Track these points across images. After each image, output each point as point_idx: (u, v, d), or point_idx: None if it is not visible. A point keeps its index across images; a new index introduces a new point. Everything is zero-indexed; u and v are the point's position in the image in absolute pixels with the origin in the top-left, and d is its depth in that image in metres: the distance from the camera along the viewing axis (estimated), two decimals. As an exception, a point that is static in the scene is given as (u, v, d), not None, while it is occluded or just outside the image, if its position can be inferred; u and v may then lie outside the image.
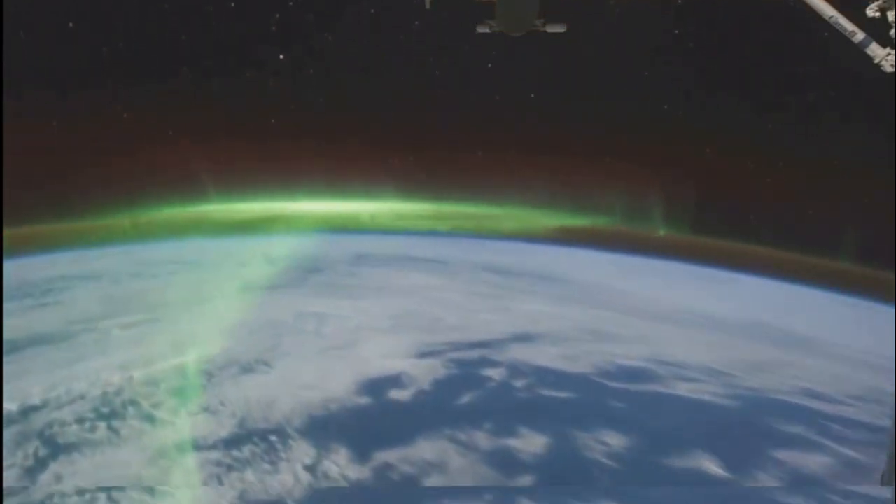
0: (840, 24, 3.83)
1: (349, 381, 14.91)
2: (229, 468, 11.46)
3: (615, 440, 12.72)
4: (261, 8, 26.00)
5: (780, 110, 27.13)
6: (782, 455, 12.00)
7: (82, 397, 14.21)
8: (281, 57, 27.50)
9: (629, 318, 21.05)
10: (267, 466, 11.59)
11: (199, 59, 29.99)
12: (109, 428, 13.01)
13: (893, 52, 3.66)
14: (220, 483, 11.12)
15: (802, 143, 27.69)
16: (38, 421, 13.19)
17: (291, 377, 15.11)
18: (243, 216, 38.52)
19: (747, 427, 13.55)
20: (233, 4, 25.71)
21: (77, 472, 11.26)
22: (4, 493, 10.48)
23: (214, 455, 11.82)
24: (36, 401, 14.01)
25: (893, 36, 3.68)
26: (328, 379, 15.04)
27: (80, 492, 10.46)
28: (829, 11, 3.85)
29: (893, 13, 3.68)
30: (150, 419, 13.37)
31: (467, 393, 14.58)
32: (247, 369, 15.51)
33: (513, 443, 12.61)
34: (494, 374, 15.58)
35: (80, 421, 13.26)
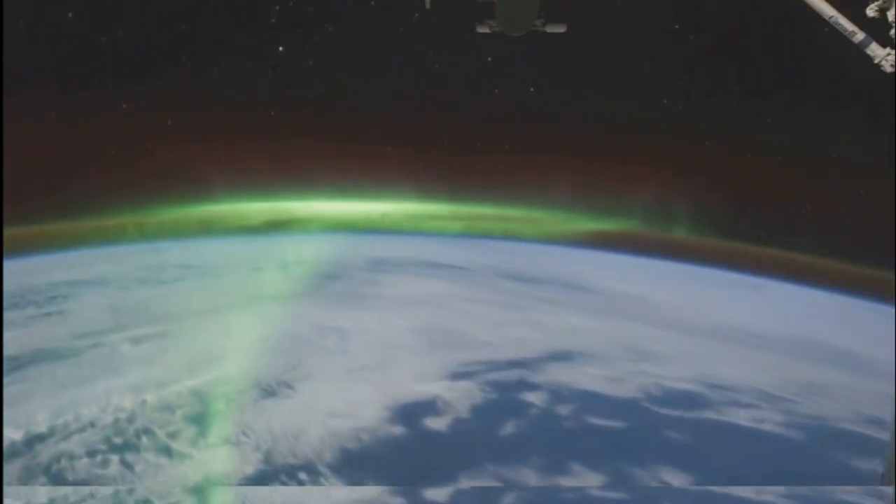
0: (840, 24, 3.79)
1: (380, 406, 13.79)
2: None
3: (677, 478, 11.62)
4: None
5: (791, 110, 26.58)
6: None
7: (92, 425, 13.08)
8: (280, 49, 27.52)
9: (667, 332, 19.92)
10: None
11: (198, 50, 29.44)
12: (123, 462, 11.90)
13: (893, 52, 3.63)
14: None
15: (802, 142, 27.40)
16: (45, 453, 12.06)
17: (317, 402, 13.98)
18: (245, 215, 37.44)
19: (819, 462, 12.46)
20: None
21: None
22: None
23: (241, 496, 10.72)
24: (42, 428, 12.89)
25: (893, 36, 3.64)
26: (357, 405, 13.91)
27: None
28: (829, 11, 3.82)
29: (893, 13, 3.64)
30: (167, 452, 12.25)
31: (509, 421, 13.46)
32: (268, 393, 14.38)
33: (565, 482, 11.51)
34: (535, 398, 14.46)
35: (91, 454, 12.14)
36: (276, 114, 32.17)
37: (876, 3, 3.74)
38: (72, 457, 11.89)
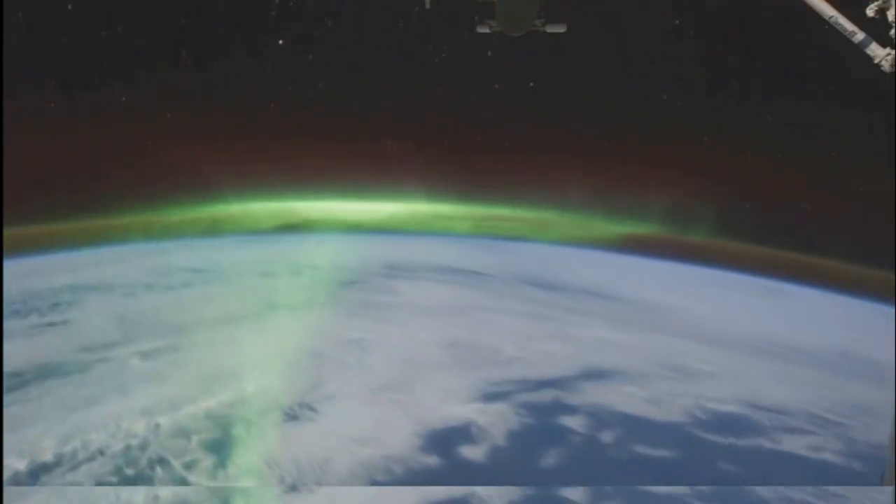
0: (840, 24, 3.79)
1: (410, 432, 12.86)
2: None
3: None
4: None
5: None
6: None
7: (101, 453, 12.13)
8: (280, 42, 27.33)
9: (700, 345, 19.00)
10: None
11: (198, 44, 28.96)
12: (136, 497, 10.97)
13: (893, 52, 3.61)
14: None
15: (802, 142, 27.51)
16: (52, 485, 11.16)
17: (342, 427, 13.04)
18: (249, 215, 36.54)
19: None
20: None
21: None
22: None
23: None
24: (48, 456, 11.96)
25: (893, 36, 3.62)
26: (385, 430, 12.98)
27: None
28: (829, 11, 3.82)
29: (893, 13, 3.62)
30: (185, 484, 11.32)
31: (550, 449, 12.52)
32: (290, 416, 13.44)
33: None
34: (574, 423, 13.54)
35: (102, 486, 11.22)
36: (277, 111, 31.67)
37: (876, 3, 3.69)
38: (81, 490, 10.98)
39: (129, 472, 11.55)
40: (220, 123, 31.66)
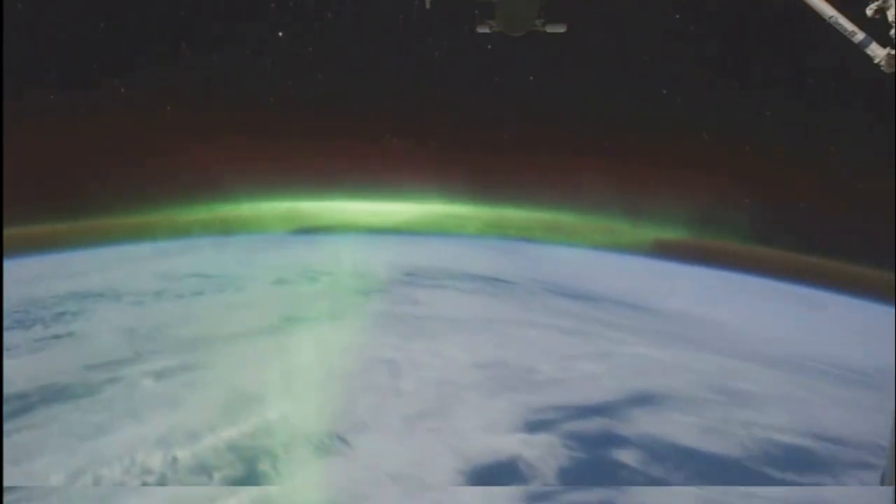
0: (840, 24, 3.76)
1: (451, 469, 11.76)
2: None
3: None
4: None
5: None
6: None
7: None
8: (280, 34, 27.07)
9: (745, 363, 17.91)
10: None
11: (198, 37, 28.33)
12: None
13: (893, 52, 3.57)
14: None
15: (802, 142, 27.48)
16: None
17: (378, 462, 11.94)
18: (251, 214, 35.47)
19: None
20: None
21: None
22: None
23: None
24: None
25: (893, 36, 3.58)
26: (424, 465, 11.88)
27: None
28: (829, 11, 3.79)
29: (893, 13, 3.58)
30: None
31: (604, 489, 11.45)
32: (320, 449, 12.35)
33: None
34: (628, 458, 12.45)
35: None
36: (277, 108, 31.01)
37: (875, 3, 3.65)
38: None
39: (147, 515, 10.50)
40: (220, 120, 30.87)
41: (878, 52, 3.64)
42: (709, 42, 25.58)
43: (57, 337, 18.27)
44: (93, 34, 27.07)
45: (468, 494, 10.83)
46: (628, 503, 10.90)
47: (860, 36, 3.71)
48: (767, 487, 11.32)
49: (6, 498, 9.88)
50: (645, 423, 13.69)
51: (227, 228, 35.09)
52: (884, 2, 3.61)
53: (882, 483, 3.69)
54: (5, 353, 16.73)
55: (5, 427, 12.83)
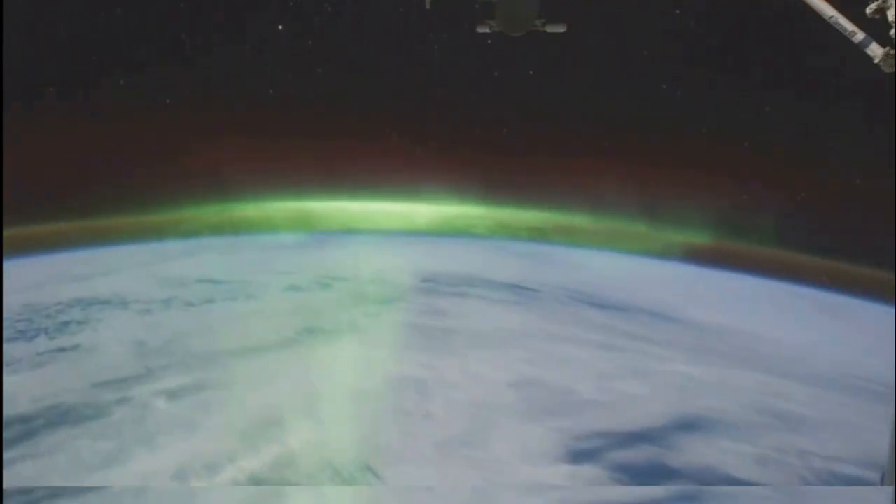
0: (840, 24, 3.76)
1: (493, 505, 10.87)
2: None
3: None
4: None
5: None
6: None
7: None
8: (280, 28, 27.03)
9: (789, 382, 16.98)
10: None
11: (197, 32, 27.88)
12: None
13: (893, 51, 3.56)
14: None
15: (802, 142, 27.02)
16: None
17: (412, 498, 11.05)
18: (257, 215, 34.54)
19: None
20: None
21: None
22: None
23: None
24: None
25: (893, 36, 3.57)
26: (463, 500, 10.99)
27: None
28: (829, 11, 3.79)
29: (893, 13, 3.57)
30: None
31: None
32: (349, 481, 11.43)
33: None
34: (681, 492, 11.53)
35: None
36: (276, 106, 30.30)
37: (875, 3, 3.59)
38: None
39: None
40: (221, 118, 30.12)
41: (877, 51, 3.62)
42: (708, 41, 25.16)
43: (62, 350, 17.33)
44: (93, 33, 26.26)
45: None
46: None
47: (860, 36, 3.69)
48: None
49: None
50: (693, 452, 12.79)
51: (232, 229, 34.12)
52: (884, 2, 3.60)
53: (882, 483, 3.65)
54: (6, 369, 15.80)
55: (5, 455, 11.91)
